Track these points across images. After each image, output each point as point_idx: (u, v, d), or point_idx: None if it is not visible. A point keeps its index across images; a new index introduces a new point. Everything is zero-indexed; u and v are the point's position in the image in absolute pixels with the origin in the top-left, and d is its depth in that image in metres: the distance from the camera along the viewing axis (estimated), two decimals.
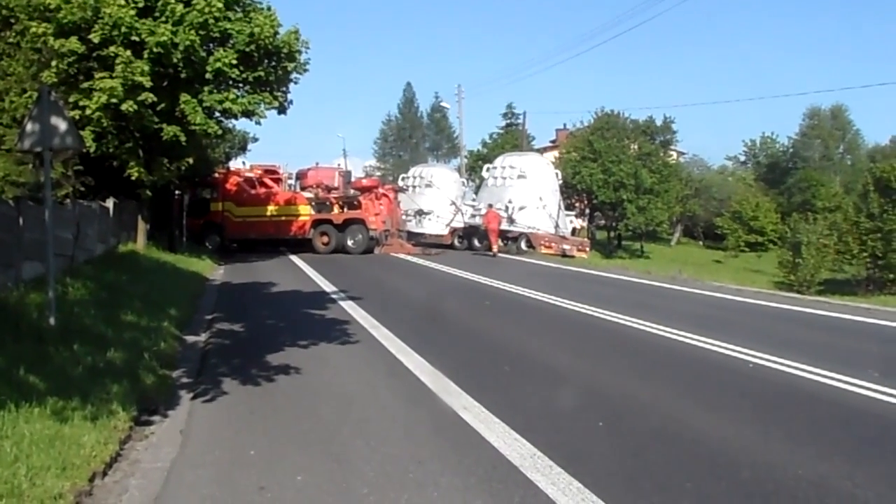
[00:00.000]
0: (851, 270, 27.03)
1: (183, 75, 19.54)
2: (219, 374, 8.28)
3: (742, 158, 67.75)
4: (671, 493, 4.94)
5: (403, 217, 34.00)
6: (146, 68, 18.23)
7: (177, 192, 28.27)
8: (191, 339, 10.70)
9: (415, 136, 78.00)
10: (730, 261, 42.67)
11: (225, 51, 19.72)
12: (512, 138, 57.41)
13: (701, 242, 55.41)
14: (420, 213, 35.57)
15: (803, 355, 9.36)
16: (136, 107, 18.20)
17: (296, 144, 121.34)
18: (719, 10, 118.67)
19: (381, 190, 31.59)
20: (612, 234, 44.70)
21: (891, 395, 7.49)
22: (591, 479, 5.04)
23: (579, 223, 45.24)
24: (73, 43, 18.05)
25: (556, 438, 5.99)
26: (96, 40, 18.17)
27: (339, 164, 45.38)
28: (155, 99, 18.61)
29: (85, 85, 18.56)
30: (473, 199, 36.95)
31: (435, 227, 35.63)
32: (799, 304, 16.46)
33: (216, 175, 30.92)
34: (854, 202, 30.54)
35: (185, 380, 8.12)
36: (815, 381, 8.20)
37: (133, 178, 20.05)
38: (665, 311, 14.27)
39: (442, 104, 67.42)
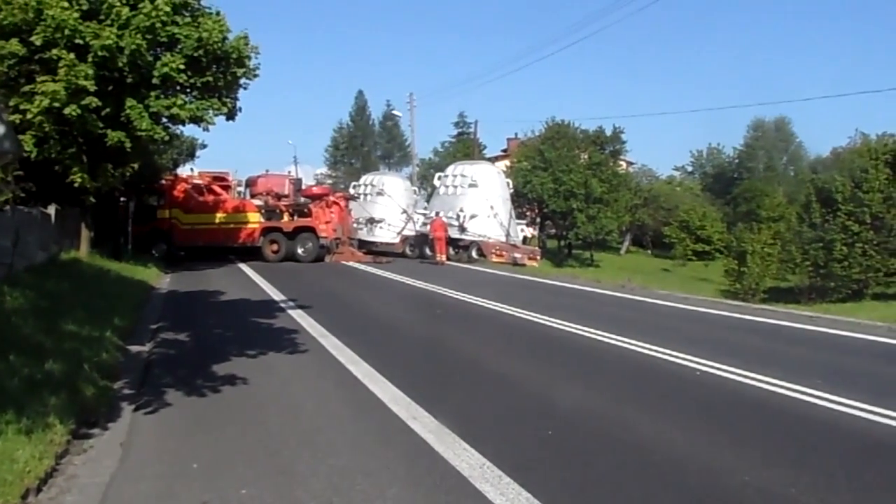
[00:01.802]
0: (794, 279, 27.58)
1: (129, 80, 19.14)
2: (163, 385, 8.07)
3: (689, 169, 69.06)
4: (620, 502, 4.94)
5: (354, 225, 33.86)
6: (90, 72, 17.80)
7: (122, 198, 27.74)
8: (134, 349, 10.44)
9: (366, 144, 77.78)
10: (677, 269, 43.33)
11: (172, 55, 19.34)
12: (464, 147, 57.72)
13: (650, 251, 56.12)
14: (371, 221, 35.44)
15: (749, 362, 9.49)
16: (79, 111, 17.77)
17: (246, 152, 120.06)
18: (667, 23, 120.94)
19: (331, 198, 31.39)
20: (562, 242, 45.00)
21: (833, 401, 7.61)
22: (540, 489, 5.00)
23: (530, 232, 45.50)
24: (14, 45, 17.56)
25: (505, 448, 5.95)
26: (38, 42, 17.71)
27: (289, 172, 45.14)
28: (99, 103, 18.19)
29: (26, 88, 18.04)
30: (425, 208, 36.96)
31: (386, 235, 35.53)
32: (744, 311, 16.73)
33: (163, 182, 30.43)
34: (797, 212, 31.22)
35: (127, 391, 7.89)
36: (761, 388, 8.31)
37: (76, 184, 19.57)
38: (614, 319, 14.38)
39: (394, 112, 67.47)
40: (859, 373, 9.73)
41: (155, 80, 19.22)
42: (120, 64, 18.49)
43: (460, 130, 71.38)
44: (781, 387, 8.28)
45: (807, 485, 5.29)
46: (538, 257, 34.27)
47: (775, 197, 52.71)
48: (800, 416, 7.31)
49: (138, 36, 18.39)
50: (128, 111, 19.02)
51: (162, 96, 19.60)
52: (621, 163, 51.43)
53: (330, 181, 66.55)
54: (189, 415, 7.05)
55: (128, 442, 6.15)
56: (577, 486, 5.21)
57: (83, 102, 17.79)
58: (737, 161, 66.30)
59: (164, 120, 20.32)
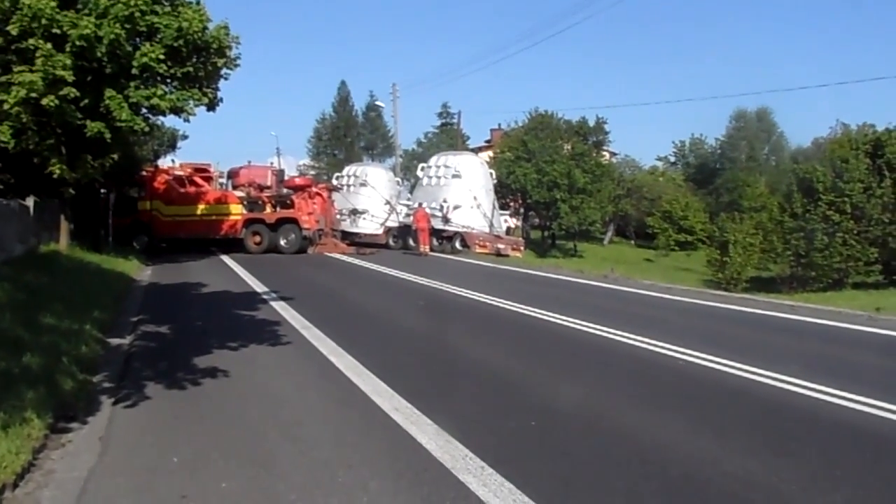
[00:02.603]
0: (776, 269, 27.73)
1: (108, 70, 18.90)
2: (143, 379, 7.98)
3: (672, 159, 69.05)
4: (602, 492, 4.94)
5: (337, 216, 33.72)
6: (68, 62, 17.54)
7: (102, 190, 27.45)
8: (115, 342, 10.32)
9: (349, 134, 77.32)
10: (660, 259, 43.48)
11: (152, 45, 19.11)
12: (447, 138, 57.69)
13: (633, 242, 56.27)
14: (354, 212, 35.30)
15: (731, 351, 9.53)
16: (57, 102, 17.52)
17: (228, 143, 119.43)
18: (649, 13, 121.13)
19: (314, 189, 31.27)
20: (546, 233, 45.06)
21: (813, 389, 7.66)
22: (522, 480, 4.99)
23: (514, 222, 45.52)
24: None
25: (488, 439, 5.94)
26: (15, 32, 17.46)
27: (272, 163, 44.85)
28: (78, 94, 17.95)
29: (3, 79, 17.80)
30: (408, 199, 36.84)
31: (369, 226, 35.43)
32: (726, 301, 16.80)
33: (144, 173, 30.16)
34: (779, 202, 31.34)
35: (106, 385, 7.80)
36: (742, 377, 8.35)
37: (55, 175, 19.38)
38: (596, 309, 14.41)
39: (377, 103, 67.35)
40: (840, 361, 9.80)
41: (134, 71, 19.00)
42: (98, 54, 18.26)
43: (444, 121, 71.32)
44: (763, 375, 8.31)
45: (788, 473, 5.32)
46: (521, 248, 34.32)
47: (757, 187, 52.91)
48: (781, 404, 7.34)
49: (117, 25, 18.16)
50: (107, 102, 18.80)
51: (142, 87, 19.39)
52: (604, 153, 51.50)
53: (313, 172, 66.27)
54: (169, 408, 6.98)
55: (107, 436, 6.08)
56: (559, 477, 5.20)
57: (61, 93, 17.55)
58: (719, 151, 66.42)
59: (144, 111, 20.10)
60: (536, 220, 46.52)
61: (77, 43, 17.75)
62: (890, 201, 25.81)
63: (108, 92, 18.85)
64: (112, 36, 18.06)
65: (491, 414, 6.88)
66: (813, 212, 26.47)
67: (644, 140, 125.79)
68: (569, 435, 6.24)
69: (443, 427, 6.16)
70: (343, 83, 79.80)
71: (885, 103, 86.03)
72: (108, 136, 19.25)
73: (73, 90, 17.75)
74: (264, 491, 4.91)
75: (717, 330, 12.74)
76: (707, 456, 5.74)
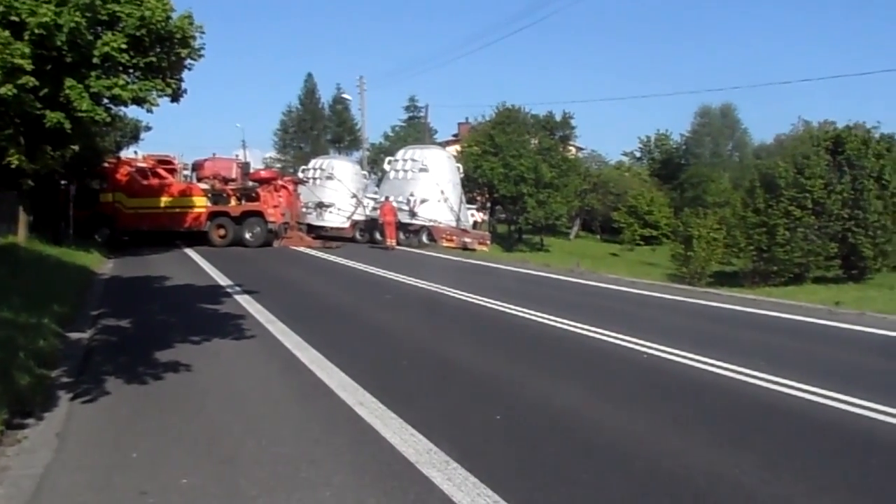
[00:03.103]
0: (739, 263, 28.03)
1: (68, 59, 18.51)
2: (102, 373, 7.84)
3: (637, 154, 69.60)
4: (567, 485, 4.93)
5: (303, 209, 33.49)
6: (27, 51, 17.12)
7: (63, 182, 26.99)
8: (74, 336, 10.13)
9: (316, 127, 76.78)
10: (626, 254, 43.77)
11: (114, 34, 18.76)
12: (414, 131, 57.55)
13: (599, 236, 56.62)
14: (321, 205, 35.04)
15: (694, 345, 9.61)
16: (15, 91, 17.08)
17: (193, 135, 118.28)
18: (616, 9, 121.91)
19: (280, 182, 31.02)
20: (512, 227, 45.16)
21: (775, 382, 7.75)
22: (487, 474, 4.98)
23: (480, 217, 45.56)
24: None
25: (453, 433, 5.91)
26: None
27: (237, 156, 44.38)
28: (37, 83, 17.54)
29: None
30: (375, 192, 36.70)
31: (336, 219, 35.21)
32: (690, 295, 16.96)
33: (106, 165, 29.66)
34: (741, 197, 31.64)
35: (65, 379, 7.64)
36: (705, 371, 8.42)
37: (13, 166, 18.95)
38: (562, 303, 14.47)
39: (343, 96, 66.90)
40: (801, 355, 9.94)
41: (95, 60, 18.64)
42: (58, 42, 17.87)
43: (411, 115, 71.11)
44: (725, 369, 8.40)
45: (749, 465, 5.37)
46: (488, 242, 34.35)
47: (721, 182, 53.50)
48: (743, 397, 7.42)
49: (77, 13, 17.79)
50: (67, 91, 18.43)
51: (103, 76, 19.02)
52: (571, 148, 51.80)
53: (279, 165, 65.73)
54: (129, 403, 6.86)
55: (64, 432, 5.96)
56: (524, 471, 5.20)
57: (19, 82, 17.12)
58: (684, 147, 67.07)
59: (106, 101, 19.74)
60: (503, 215, 46.60)
61: (36, 31, 17.35)
62: (849, 197, 26.21)
63: (69, 81, 18.48)
64: (72, 24, 17.69)
65: (456, 408, 6.85)
66: (775, 207, 26.77)
67: (610, 135, 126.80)
68: (534, 428, 6.24)
69: (407, 421, 6.12)
70: (310, 75, 79.44)
71: (845, 101, 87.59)
72: (68, 126, 18.88)
73: (32, 79, 17.34)
74: (225, 487, 4.84)
75: (681, 324, 12.86)
76: (670, 448, 5.77)
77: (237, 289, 15.38)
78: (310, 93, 78.03)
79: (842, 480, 5.18)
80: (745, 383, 7.85)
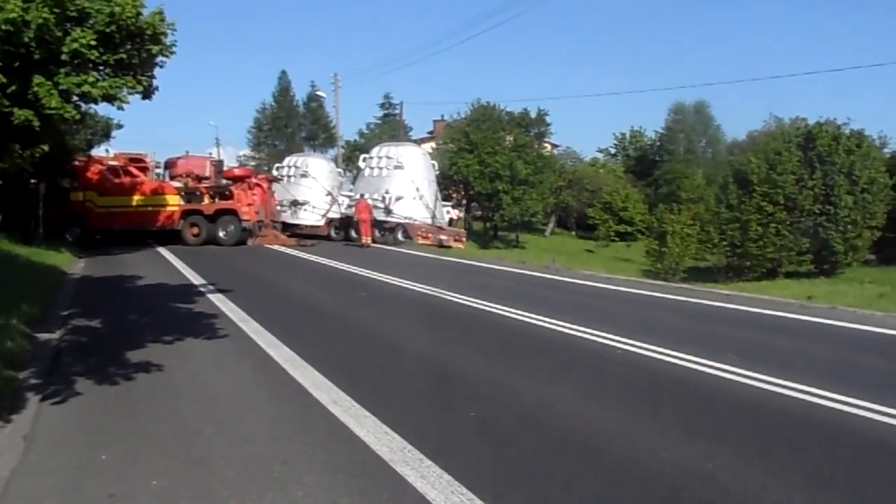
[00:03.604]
0: (713, 259, 28.27)
1: (36, 56, 18.19)
2: (72, 374, 7.72)
3: (612, 151, 70.01)
4: (540, 481, 4.92)
5: (278, 208, 33.31)
6: None
7: (32, 180, 26.58)
8: (43, 336, 9.96)
9: (290, 125, 76.32)
10: (601, 250, 43.93)
11: (83, 31, 18.46)
12: (390, 128, 57.43)
13: (574, 233, 56.83)
14: (295, 203, 34.88)
15: (668, 340, 9.66)
16: None
17: (166, 133, 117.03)
18: (590, 5, 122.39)
19: (254, 179, 30.84)
20: (488, 224, 45.20)
21: (747, 376, 7.81)
22: (461, 471, 4.95)
23: (456, 214, 45.55)
24: None
25: (427, 431, 5.89)
26: None
27: (210, 154, 44.01)
28: (4, 80, 17.23)
29: None
30: (350, 190, 36.59)
31: (311, 217, 35.05)
32: (664, 291, 17.05)
33: (76, 163, 29.26)
34: (715, 194, 31.96)
35: (33, 381, 7.50)
36: (680, 366, 8.46)
37: None
38: (537, 299, 14.50)
39: (318, 93, 66.48)
40: (773, 348, 10.02)
41: (64, 57, 18.33)
42: (26, 39, 17.53)
43: (386, 112, 70.92)
44: (699, 364, 8.44)
45: (723, 459, 5.40)
46: (464, 239, 34.38)
47: (695, 179, 53.89)
48: (717, 391, 7.46)
49: (45, 9, 17.47)
50: (35, 89, 18.11)
51: (72, 73, 18.73)
52: (546, 145, 51.91)
53: (254, 163, 65.31)
54: (99, 404, 6.76)
55: (32, 434, 5.85)
56: (498, 468, 5.18)
57: None
58: (658, 144, 67.50)
59: (75, 98, 19.40)
60: (479, 212, 46.62)
61: (3, 27, 17.00)
62: (820, 193, 26.54)
63: (37, 78, 18.17)
64: (40, 20, 17.37)
65: (431, 405, 6.83)
66: (748, 203, 27.03)
67: (585, 132, 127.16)
68: (508, 425, 6.22)
69: (381, 419, 6.09)
70: (284, 73, 78.81)
71: (816, 97, 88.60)
72: (36, 124, 18.56)
73: (0, 76, 17.08)
74: (196, 488, 4.78)
75: (656, 319, 12.92)
76: (644, 443, 5.78)
77: (210, 288, 15.24)
78: (284, 90, 77.58)
79: (813, 473, 5.21)
80: (718, 378, 7.89)
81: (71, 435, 5.91)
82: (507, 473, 5.06)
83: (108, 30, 18.61)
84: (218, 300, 13.52)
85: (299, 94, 78.46)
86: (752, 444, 5.80)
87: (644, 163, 64.27)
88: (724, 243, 26.90)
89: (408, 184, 32.50)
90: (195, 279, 17.10)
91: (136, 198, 28.77)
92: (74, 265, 20.55)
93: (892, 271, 26.11)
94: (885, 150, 34.16)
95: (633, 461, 5.36)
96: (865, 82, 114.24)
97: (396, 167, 32.87)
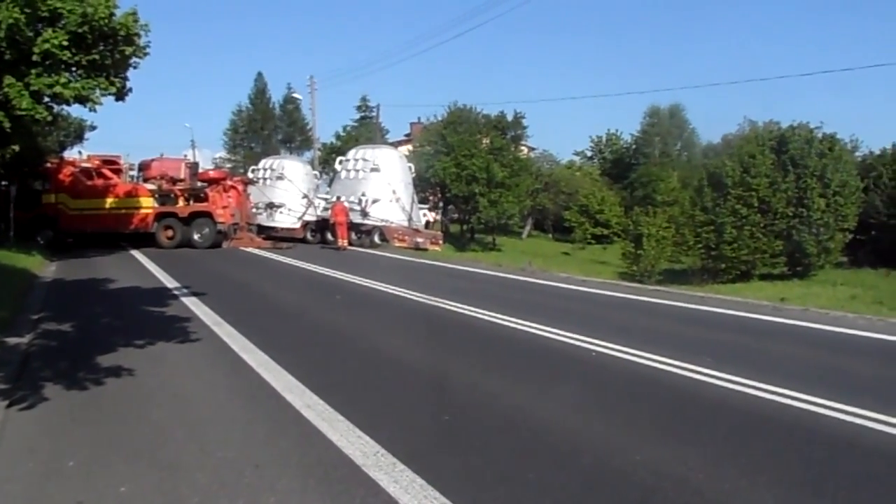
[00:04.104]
0: (688, 261, 28.41)
1: (6, 56, 18.00)
2: (41, 379, 7.60)
3: (589, 154, 70.26)
4: (513, 485, 4.90)
5: (254, 210, 33.10)
6: None
7: (3, 182, 26.25)
8: (12, 341, 9.79)
9: (267, 127, 75.83)
10: (577, 253, 44.03)
11: (55, 31, 18.28)
12: (366, 131, 57.18)
13: (551, 235, 56.93)
14: (271, 206, 34.71)
15: (644, 343, 9.69)
16: None
17: (141, 135, 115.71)
18: (566, 7, 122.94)
19: (229, 182, 30.61)
20: (465, 227, 45.19)
21: (722, 378, 7.84)
22: (434, 475, 4.92)
23: (433, 216, 45.50)
24: None
25: (400, 434, 5.85)
26: None
27: (185, 156, 43.64)
28: None
29: None
30: (327, 192, 36.44)
31: (287, 220, 34.89)
32: (640, 293, 17.10)
33: (48, 165, 28.92)
34: (690, 196, 32.07)
35: (1, 386, 7.39)
36: (654, 367, 8.48)
37: None
38: (513, 301, 14.49)
39: (294, 95, 66.24)
40: (746, 350, 10.06)
41: (35, 57, 18.14)
42: None
43: (363, 115, 70.59)
44: (674, 365, 8.47)
45: (695, 461, 5.40)
46: (440, 241, 34.31)
47: (670, 181, 54.16)
48: (691, 393, 7.48)
49: (16, 9, 17.30)
50: (6, 89, 17.93)
51: (44, 74, 18.54)
52: (522, 148, 51.95)
53: (230, 165, 64.79)
54: (68, 409, 6.66)
55: None
56: (472, 471, 5.15)
57: None
58: (634, 147, 67.84)
59: (47, 99, 19.23)
60: (455, 214, 46.60)
61: None
62: (794, 195, 26.74)
63: (7, 79, 17.99)
64: (11, 20, 17.20)
65: (405, 409, 6.79)
66: (722, 206, 27.18)
67: (562, 135, 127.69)
68: (482, 429, 6.19)
69: (355, 423, 6.05)
70: (260, 74, 78.30)
71: (789, 100, 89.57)
72: (7, 125, 18.40)
73: None
74: (166, 494, 4.71)
75: (631, 321, 12.95)
76: (618, 446, 5.78)
77: (184, 291, 15.10)
78: (260, 92, 77.11)
79: (785, 475, 5.23)
80: (692, 380, 7.92)
81: (38, 441, 5.81)
82: (480, 477, 5.03)
83: (80, 30, 18.46)
84: (192, 303, 13.39)
85: (276, 96, 78.07)
86: (726, 446, 5.82)
87: (620, 166, 64.56)
88: (699, 246, 27.05)
89: (384, 186, 32.43)
90: (169, 282, 16.92)
91: (110, 200, 28.45)
92: (46, 268, 20.29)
93: (863, 273, 26.45)
94: (857, 154, 34.64)
95: (607, 464, 5.36)
96: (837, 86, 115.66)
97: (373, 170, 32.78)
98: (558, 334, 10.48)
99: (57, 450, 5.56)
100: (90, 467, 5.17)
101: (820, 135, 28.60)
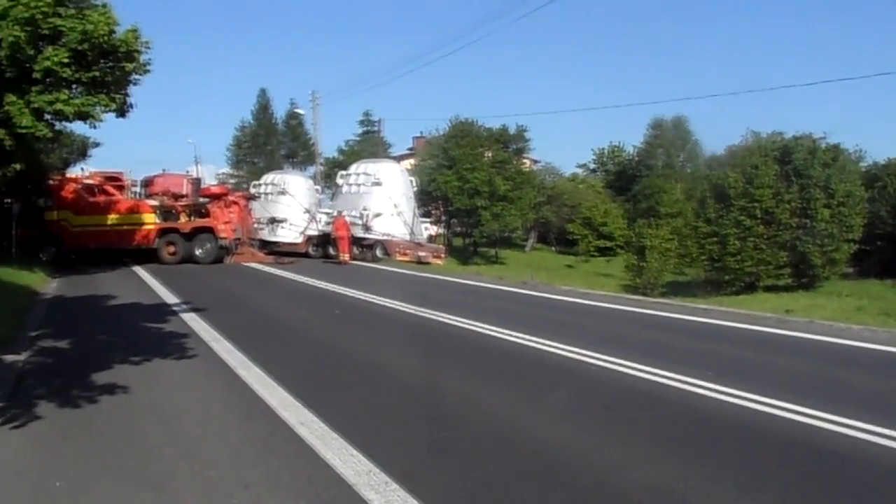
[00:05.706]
0: (692, 273, 28.29)
1: (8, 74, 18.07)
2: (35, 397, 7.53)
3: (592, 166, 70.25)
4: None
5: (256, 225, 33.08)
6: None
7: (7, 200, 26.28)
8: (9, 358, 9.73)
9: (270, 142, 75.96)
10: (581, 265, 43.98)
11: (55, 49, 18.35)
12: (369, 145, 57.27)
13: (554, 248, 56.85)
14: (273, 221, 34.66)
15: (645, 356, 9.58)
16: None
17: (144, 151, 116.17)
18: (569, 20, 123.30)
19: (231, 197, 30.62)
20: (468, 240, 45.15)
21: (723, 392, 7.73)
22: (427, 495, 4.83)
23: (435, 230, 45.46)
24: None
25: (395, 453, 5.76)
26: None
27: (188, 172, 43.76)
28: None
29: None
30: (329, 207, 36.41)
31: (289, 235, 34.82)
32: (643, 306, 16.98)
33: (51, 182, 28.96)
34: (694, 208, 32.01)
35: None
36: (655, 382, 8.37)
37: None
38: (513, 315, 14.39)
39: (297, 110, 66.42)
40: (749, 363, 9.94)
41: (37, 75, 18.21)
42: None
43: (366, 129, 70.73)
44: (675, 380, 8.36)
45: (695, 479, 5.30)
46: (443, 255, 34.25)
47: (673, 193, 54.09)
48: (692, 408, 7.37)
49: (17, 28, 17.39)
50: (7, 107, 17.97)
51: (45, 91, 18.58)
52: (525, 161, 51.93)
53: (233, 181, 64.95)
54: (59, 428, 6.58)
55: None
56: (465, 490, 5.05)
57: None
58: (637, 159, 67.74)
59: (48, 116, 19.28)
60: (458, 228, 46.58)
61: None
62: (798, 206, 26.61)
63: (9, 97, 18.04)
64: (12, 38, 17.28)
65: (401, 426, 6.70)
66: (726, 217, 27.07)
67: (564, 148, 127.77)
68: (478, 446, 6.09)
69: (349, 441, 5.95)
70: (263, 91, 78.53)
71: (793, 111, 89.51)
72: (9, 143, 18.43)
73: None
74: None
75: (633, 334, 12.83)
76: (616, 462, 5.68)
77: (184, 307, 15.04)
78: (263, 108, 77.28)
79: (788, 493, 5.12)
80: (693, 394, 7.81)
81: (27, 461, 5.74)
82: (474, 496, 4.94)
83: (80, 47, 18.52)
84: (191, 319, 13.33)
85: (279, 111, 78.27)
86: (726, 463, 5.70)
87: (623, 178, 64.48)
88: (703, 258, 26.92)
89: (386, 200, 32.39)
90: (169, 298, 16.88)
91: (112, 216, 28.45)
92: (47, 285, 20.26)
93: (870, 284, 26.25)
94: (862, 164, 34.49)
95: (605, 481, 5.26)
96: (838, 95, 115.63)
97: (374, 184, 32.76)
98: (558, 348, 10.38)
99: (45, 469, 5.48)
100: (77, 488, 5.09)
101: (824, 145, 28.50)
